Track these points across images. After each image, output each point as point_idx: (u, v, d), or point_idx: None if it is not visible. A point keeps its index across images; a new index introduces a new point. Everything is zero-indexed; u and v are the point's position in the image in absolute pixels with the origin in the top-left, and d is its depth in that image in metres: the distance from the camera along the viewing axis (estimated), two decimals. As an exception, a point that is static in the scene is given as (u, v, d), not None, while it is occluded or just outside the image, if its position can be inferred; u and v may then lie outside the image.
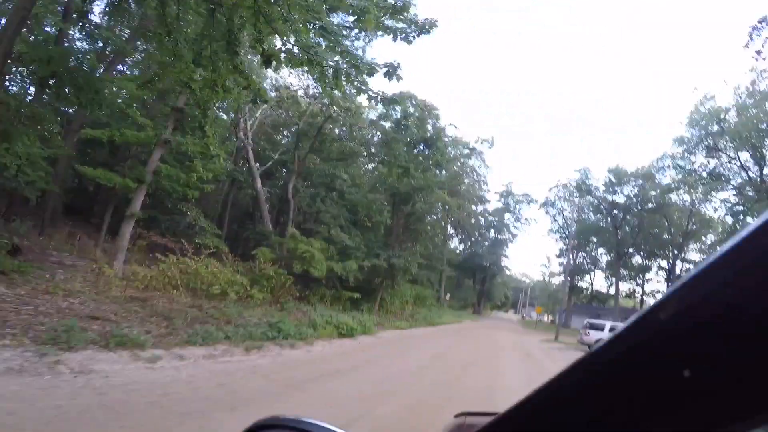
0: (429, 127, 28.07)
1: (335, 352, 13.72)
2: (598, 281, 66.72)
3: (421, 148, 27.49)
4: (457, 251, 60.45)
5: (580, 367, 0.55)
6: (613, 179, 54.22)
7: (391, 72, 11.06)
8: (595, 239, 59.37)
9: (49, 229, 20.52)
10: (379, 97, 12.91)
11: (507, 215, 62.62)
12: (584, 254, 61.62)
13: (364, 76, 11.26)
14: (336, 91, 11.60)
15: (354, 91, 12.69)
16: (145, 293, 13.99)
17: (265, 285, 18.61)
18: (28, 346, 7.45)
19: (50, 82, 13.77)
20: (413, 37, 11.08)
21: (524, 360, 19.43)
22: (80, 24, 20.16)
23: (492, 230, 62.63)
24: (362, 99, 20.94)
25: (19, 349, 7.29)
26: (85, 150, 24.83)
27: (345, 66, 11.13)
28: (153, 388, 6.92)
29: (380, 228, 28.38)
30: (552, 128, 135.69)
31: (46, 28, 19.70)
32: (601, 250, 60.96)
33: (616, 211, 54.76)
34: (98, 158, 23.59)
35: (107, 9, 19.18)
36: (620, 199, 54.84)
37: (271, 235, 24.11)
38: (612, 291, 59.01)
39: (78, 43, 23.43)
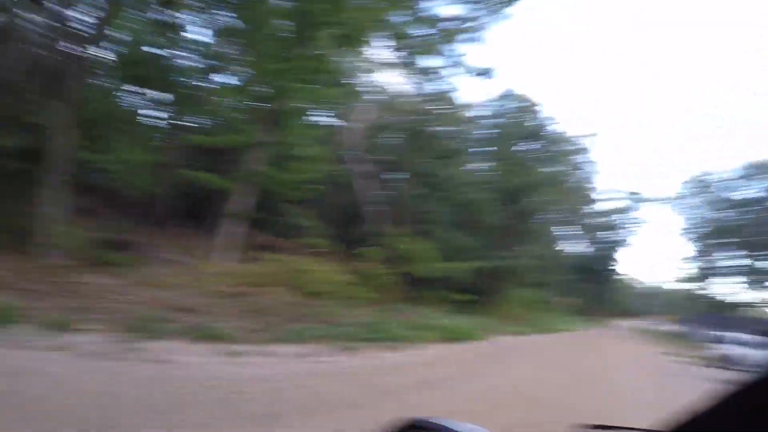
0: (533, 122, 26.66)
1: (439, 357, 12.66)
2: (728, 287, 58.72)
3: (528, 143, 25.86)
4: (572, 253, 56.69)
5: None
6: (752, 172, 48.67)
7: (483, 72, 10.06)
8: (726, 240, 52.82)
9: (162, 230, 21.16)
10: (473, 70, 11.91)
11: (622, 215, 57.55)
12: (713, 257, 55.07)
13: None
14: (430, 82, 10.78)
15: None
16: (244, 290, 13.76)
17: (371, 285, 17.98)
18: (115, 333, 7.80)
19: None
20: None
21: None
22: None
23: (608, 231, 57.79)
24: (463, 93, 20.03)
25: (106, 334, 7.70)
26: (196, 155, 25.62)
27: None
28: (228, 384, 6.61)
29: (492, 228, 27.00)
30: (667, 122, 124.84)
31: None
32: (731, 253, 53.96)
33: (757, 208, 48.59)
34: (205, 163, 24.09)
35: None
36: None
37: (379, 235, 23.46)
38: (742, 298, 53.27)
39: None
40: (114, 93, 14.77)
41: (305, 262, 16.98)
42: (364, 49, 27.53)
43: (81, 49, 11.86)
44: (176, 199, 24.56)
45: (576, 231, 53.31)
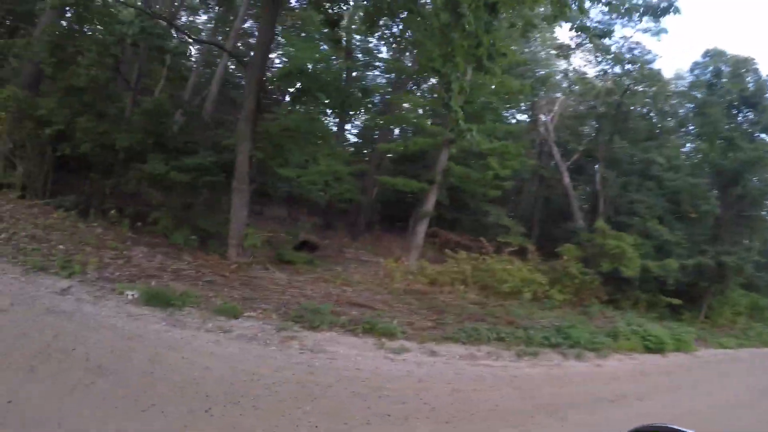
0: (748, 84, 22.51)
1: (631, 370, 11.15)
2: None
3: (744, 111, 21.93)
4: None
5: None
6: None
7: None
8: None
9: (358, 234, 22.30)
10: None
11: None
12: None
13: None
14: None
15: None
16: (428, 288, 13.87)
17: (566, 285, 16.93)
18: (273, 321, 8.11)
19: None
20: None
21: None
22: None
23: None
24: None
25: (263, 321, 8.02)
26: (394, 163, 27.18)
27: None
28: (372, 380, 6.56)
29: (707, 219, 23.76)
30: None
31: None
32: None
33: None
34: (399, 168, 24.99)
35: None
36: None
37: (580, 231, 21.90)
38: None
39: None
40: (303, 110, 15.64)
41: (496, 261, 16.46)
42: (550, 34, 26.22)
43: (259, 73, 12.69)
44: (374, 205, 26.04)
45: None
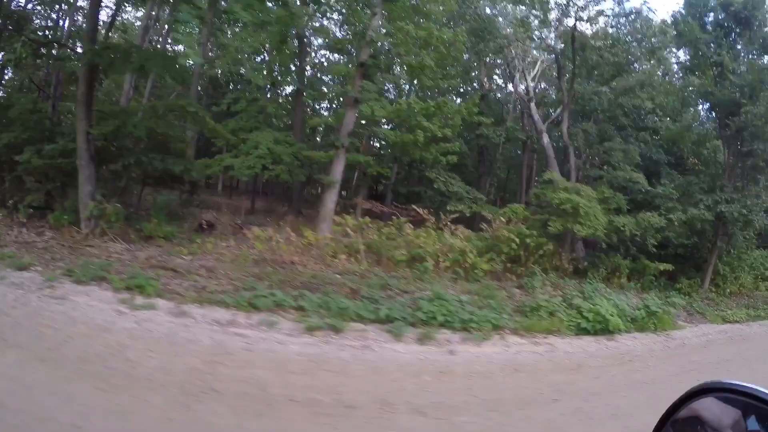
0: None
1: (487, 362, 7.78)
2: None
3: (735, 30, 17.49)
4: None
5: None
6: None
7: None
8: None
9: (292, 213, 20.37)
10: None
11: None
12: None
13: None
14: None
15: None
16: (304, 258, 11.85)
17: (503, 252, 13.45)
18: (51, 274, 8.46)
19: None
20: None
21: None
22: None
23: None
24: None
25: (43, 274, 8.49)
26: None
27: None
28: (79, 329, 6.57)
29: (711, 167, 19.61)
30: None
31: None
32: None
33: None
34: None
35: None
36: None
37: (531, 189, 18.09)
38: None
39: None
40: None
41: (411, 230, 13.52)
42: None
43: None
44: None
45: None
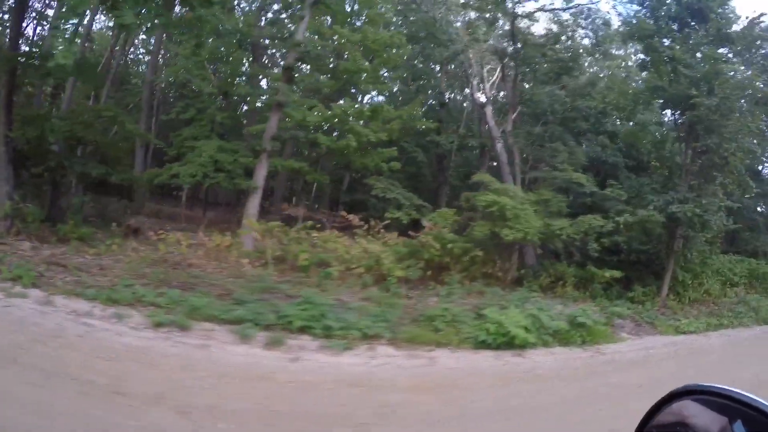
0: None
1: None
2: None
3: (690, 23, 16.54)
4: None
5: None
6: None
7: None
8: None
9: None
10: None
11: None
12: None
13: None
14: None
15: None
16: (206, 261, 11.72)
17: (423, 258, 12.60)
18: None
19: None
20: None
21: None
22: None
23: None
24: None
25: None
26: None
27: None
28: None
29: (673, 169, 18.54)
30: None
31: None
32: None
33: None
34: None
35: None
36: None
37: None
38: None
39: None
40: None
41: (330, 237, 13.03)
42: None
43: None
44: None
45: None
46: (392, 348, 7.84)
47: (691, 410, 1.26)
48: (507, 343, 8.50)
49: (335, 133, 19.05)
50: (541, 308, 10.43)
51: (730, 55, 17.21)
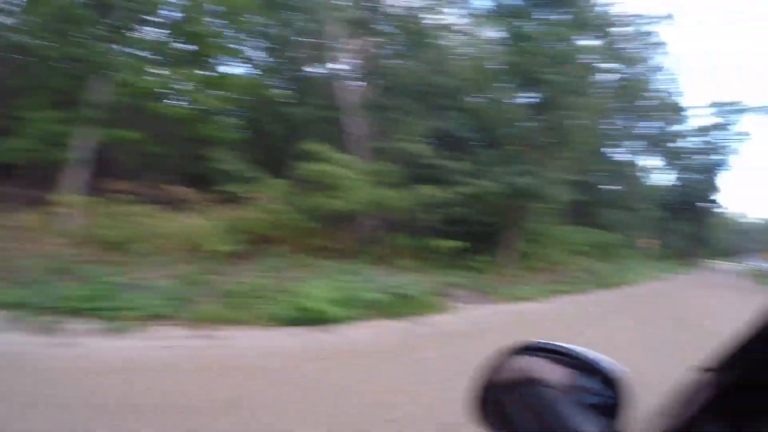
0: None
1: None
2: None
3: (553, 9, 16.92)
4: (656, 184, 43.58)
5: None
6: None
7: None
8: None
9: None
10: None
11: (716, 133, 42.41)
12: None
13: None
14: None
15: None
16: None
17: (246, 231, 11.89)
18: None
19: None
20: None
21: None
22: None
23: (702, 155, 42.85)
24: None
25: None
26: None
27: None
28: None
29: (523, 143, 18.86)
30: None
31: None
32: None
33: None
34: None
35: None
36: None
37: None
38: None
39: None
40: None
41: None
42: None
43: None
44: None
45: (659, 153, 41.52)
46: (185, 329, 7.07)
47: (535, 365, 1.19)
48: (317, 318, 7.99)
49: (179, 102, 17.65)
50: (366, 280, 10.10)
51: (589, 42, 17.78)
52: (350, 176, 12.30)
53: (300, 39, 22.86)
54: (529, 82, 16.33)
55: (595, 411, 1.06)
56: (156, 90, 16.09)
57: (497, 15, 18.01)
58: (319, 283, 9.03)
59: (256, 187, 13.70)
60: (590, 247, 22.75)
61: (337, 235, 13.37)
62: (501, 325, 10.52)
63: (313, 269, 10.88)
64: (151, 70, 15.67)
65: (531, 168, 15.35)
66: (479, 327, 9.98)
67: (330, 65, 21.47)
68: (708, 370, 0.90)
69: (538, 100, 16.25)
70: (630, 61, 28.09)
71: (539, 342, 1.20)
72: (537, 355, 1.20)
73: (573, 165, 18.26)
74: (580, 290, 16.39)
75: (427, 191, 13.63)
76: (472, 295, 12.75)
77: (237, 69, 21.30)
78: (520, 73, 16.53)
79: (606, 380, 1.10)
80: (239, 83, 16.76)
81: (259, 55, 23.48)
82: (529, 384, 1.16)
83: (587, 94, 16.83)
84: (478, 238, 15.74)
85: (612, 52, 21.34)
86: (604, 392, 1.09)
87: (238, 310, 7.84)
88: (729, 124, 42.04)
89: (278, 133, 21.00)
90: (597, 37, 18.17)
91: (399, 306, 9.53)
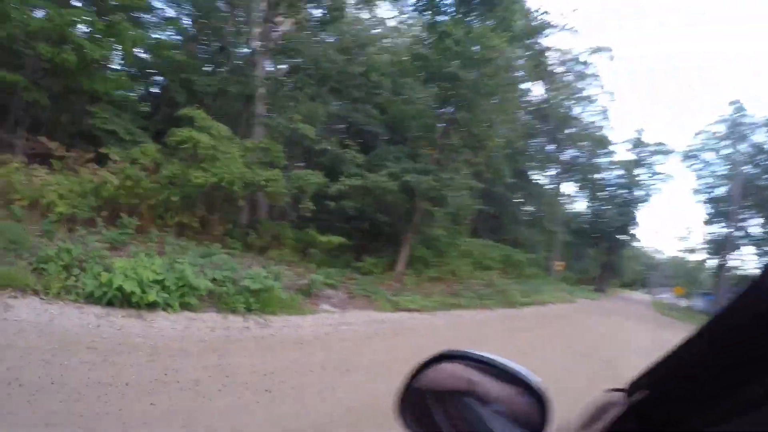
0: None
1: None
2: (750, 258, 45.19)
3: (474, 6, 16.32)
4: (581, 213, 46.34)
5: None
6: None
7: None
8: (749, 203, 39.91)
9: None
10: None
11: (638, 170, 44.21)
12: (734, 224, 40.92)
13: None
14: None
15: None
16: None
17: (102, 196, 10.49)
18: None
19: None
20: None
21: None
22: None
23: (620, 189, 44.50)
24: None
25: None
26: None
27: None
28: None
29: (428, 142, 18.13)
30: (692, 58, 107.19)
31: None
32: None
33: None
34: None
35: None
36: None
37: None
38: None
39: None
40: None
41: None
42: None
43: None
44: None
45: (586, 185, 43.23)
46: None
47: (461, 373, 1.17)
48: (123, 299, 6.82)
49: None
50: (216, 268, 8.98)
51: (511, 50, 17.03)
52: (220, 147, 11.09)
53: (225, 12, 21.48)
54: (439, 77, 15.41)
55: (517, 421, 1.07)
56: (44, 30, 14.27)
57: (421, 8, 17.20)
58: (151, 261, 7.80)
59: (133, 153, 12.24)
60: (500, 263, 22.27)
61: (210, 216, 12.10)
62: (361, 335, 9.38)
63: (159, 246, 9.65)
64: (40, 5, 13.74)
65: (434, 168, 14.57)
66: (332, 336, 8.87)
67: (249, 39, 20.15)
68: (618, 390, 0.95)
69: (448, 99, 15.39)
70: (558, 85, 28.14)
71: (465, 351, 1.17)
72: (464, 363, 1.18)
73: (483, 173, 17.70)
74: (483, 306, 15.48)
75: (313, 178, 12.62)
76: (348, 298, 11.77)
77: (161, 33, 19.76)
78: (431, 67, 15.68)
79: (528, 390, 1.07)
80: (136, 37, 15.02)
81: (187, 22, 21.89)
82: (455, 391, 1.17)
83: (502, 100, 16.21)
84: (371, 238, 14.90)
85: (539, 71, 21.05)
86: (526, 402, 1.08)
87: (42, 278, 6.63)
88: (652, 164, 43.72)
89: (180, 100, 19.49)
90: (521, 47, 17.71)
91: (243, 301, 8.42)
